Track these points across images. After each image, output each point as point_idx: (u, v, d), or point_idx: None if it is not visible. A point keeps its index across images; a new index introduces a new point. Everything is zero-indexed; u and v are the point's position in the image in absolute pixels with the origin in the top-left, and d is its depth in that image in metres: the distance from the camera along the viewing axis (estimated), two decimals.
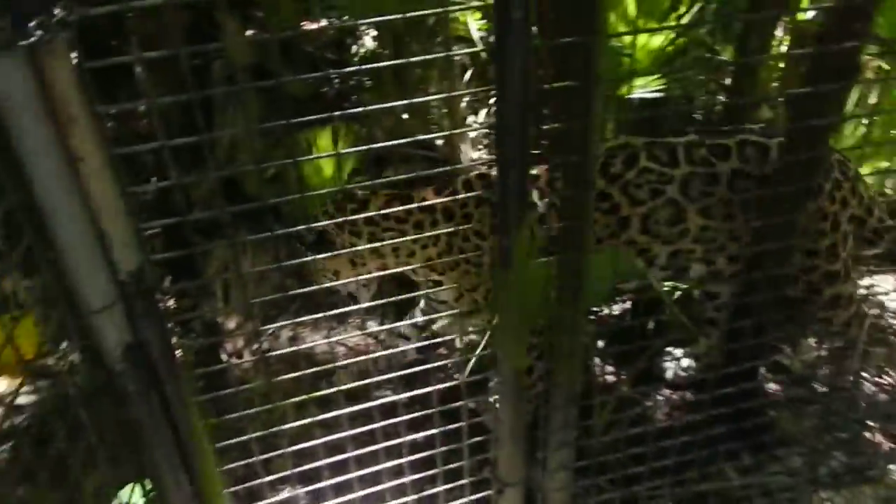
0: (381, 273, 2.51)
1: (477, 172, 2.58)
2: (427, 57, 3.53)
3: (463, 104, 3.88)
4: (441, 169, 2.81)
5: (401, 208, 2.51)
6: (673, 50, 3.07)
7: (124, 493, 1.58)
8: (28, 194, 0.98)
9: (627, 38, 2.85)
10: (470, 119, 4.06)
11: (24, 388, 2.67)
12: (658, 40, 3.00)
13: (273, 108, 3.95)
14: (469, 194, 2.47)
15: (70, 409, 1.24)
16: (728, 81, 3.47)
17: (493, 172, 2.52)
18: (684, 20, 3.00)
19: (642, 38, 2.96)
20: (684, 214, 2.38)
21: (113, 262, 1.12)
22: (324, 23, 3.92)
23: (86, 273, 1.08)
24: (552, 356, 1.67)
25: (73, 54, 0.98)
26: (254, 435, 1.57)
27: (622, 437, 1.98)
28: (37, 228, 1.03)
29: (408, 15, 1.36)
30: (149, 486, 1.39)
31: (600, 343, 2.95)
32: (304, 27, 4.10)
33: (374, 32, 4.38)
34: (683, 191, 2.36)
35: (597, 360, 2.77)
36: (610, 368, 2.87)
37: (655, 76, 3.02)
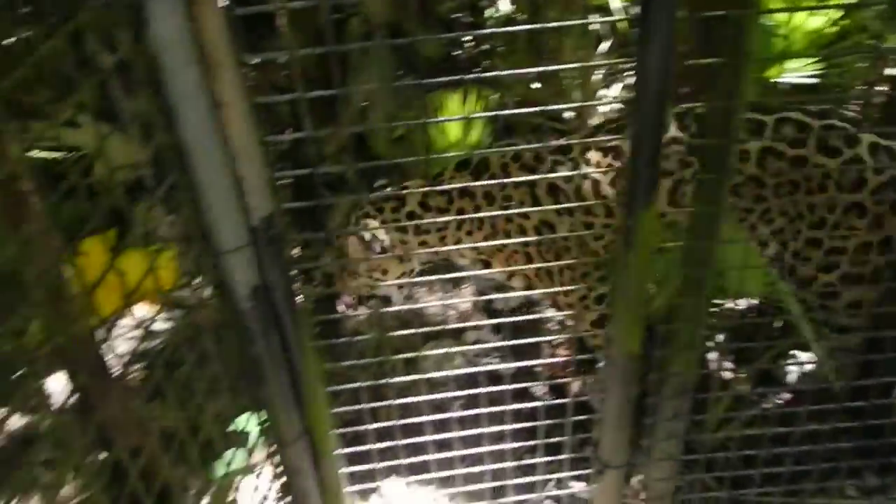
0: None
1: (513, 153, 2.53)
2: (564, 23, 3.43)
3: (596, 76, 3.75)
4: (568, 140, 2.73)
5: (443, 186, 2.47)
6: (833, 33, 2.82)
7: (241, 420, 1.67)
8: (175, 135, 1.04)
9: (782, 17, 2.64)
10: (602, 92, 3.93)
11: (160, 316, 2.89)
12: (817, 21, 2.76)
13: (405, 69, 4.00)
14: (509, 180, 2.37)
15: (199, 339, 1.32)
16: (893, 72, 3.16)
17: (528, 153, 2.50)
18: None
19: (799, 18, 2.73)
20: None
21: (247, 206, 1.18)
22: None
23: (221, 214, 1.14)
24: (669, 345, 1.61)
25: (224, 1, 1.02)
26: (364, 384, 1.62)
27: (735, 436, 1.89)
28: (181, 168, 1.09)
29: None
30: (263, 417, 1.47)
31: (720, 337, 2.82)
32: None
33: None
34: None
35: (715, 355, 2.65)
36: (728, 365, 2.74)
37: (811, 60, 2.79)
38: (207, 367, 1.31)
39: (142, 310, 2.93)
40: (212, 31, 1.00)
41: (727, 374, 2.72)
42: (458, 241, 2.53)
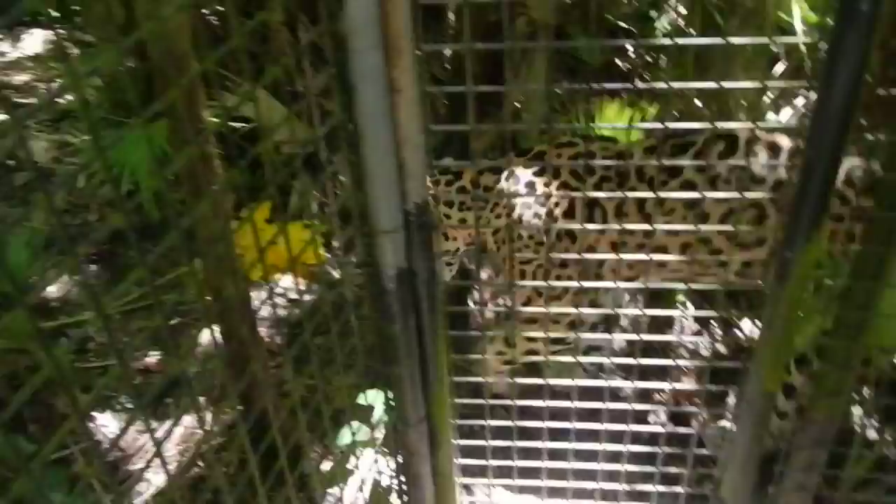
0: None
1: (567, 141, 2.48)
2: (739, 40, 3.26)
3: (765, 99, 3.56)
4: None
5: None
6: None
7: (369, 395, 1.74)
8: (350, 114, 1.10)
9: None
10: (770, 116, 3.72)
11: (303, 288, 3.07)
12: None
13: (564, 73, 3.97)
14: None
15: (342, 314, 1.39)
16: None
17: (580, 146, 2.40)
18: None
19: None
20: None
21: (404, 191, 1.22)
22: None
23: (381, 195, 1.19)
24: (813, 389, 1.51)
25: None
26: (487, 380, 1.64)
27: (876, 502, 1.74)
28: (350, 147, 1.15)
29: None
30: (390, 396, 1.52)
31: (868, 391, 2.60)
32: None
33: (683, 10, 4.17)
34: None
35: (860, 410, 2.45)
36: (875, 423, 2.52)
37: None
38: (345, 340, 1.37)
39: (285, 280, 3.13)
40: (396, 19, 1.04)
41: (872, 433, 2.50)
42: (488, 222, 2.54)
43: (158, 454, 0.87)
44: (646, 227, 1.53)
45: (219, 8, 3.72)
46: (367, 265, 1.32)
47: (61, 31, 5.50)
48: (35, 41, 5.58)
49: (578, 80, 3.98)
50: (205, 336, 2.83)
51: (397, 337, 1.39)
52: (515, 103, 3.72)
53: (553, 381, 1.66)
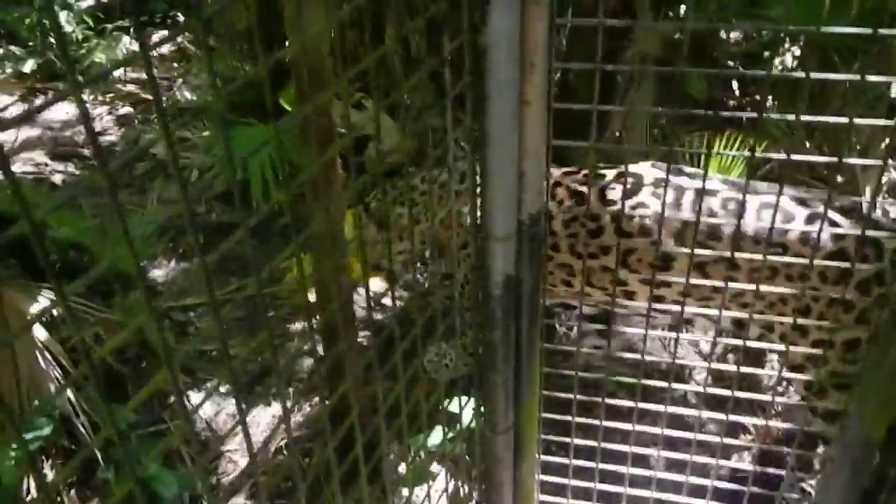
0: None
1: None
2: (874, 78, 3.18)
3: (882, 145, 3.43)
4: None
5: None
6: None
7: (456, 400, 1.78)
8: (480, 122, 1.15)
9: None
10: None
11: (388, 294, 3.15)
12: None
13: (669, 102, 3.94)
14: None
15: (427, 318, 1.43)
16: None
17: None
18: None
19: None
20: None
21: (521, 200, 1.26)
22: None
23: (499, 203, 1.23)
24: None
25: (549, 9, 1.11)
26: (578, 397, 1.65)
27: None
28: (475, 154, 1.20)
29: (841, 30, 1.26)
30: (479, 401, 1.55)
31: None
32: (722, 31, 3.99)
33: (797, 51, 4.08)
34: None
35: None
36: None
37: None
38: (435, 342, 1.42)
39: (377, 284, 3.22)
40: (535, 35, 1.09)
41: None
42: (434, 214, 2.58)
43: (246, 434, 0.90)
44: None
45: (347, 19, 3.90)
46: (477, 269, 1.36)
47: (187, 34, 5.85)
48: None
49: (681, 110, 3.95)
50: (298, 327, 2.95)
51: (497, 343, 1.42)
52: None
53: (643, 406, 1.65)
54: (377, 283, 3.28)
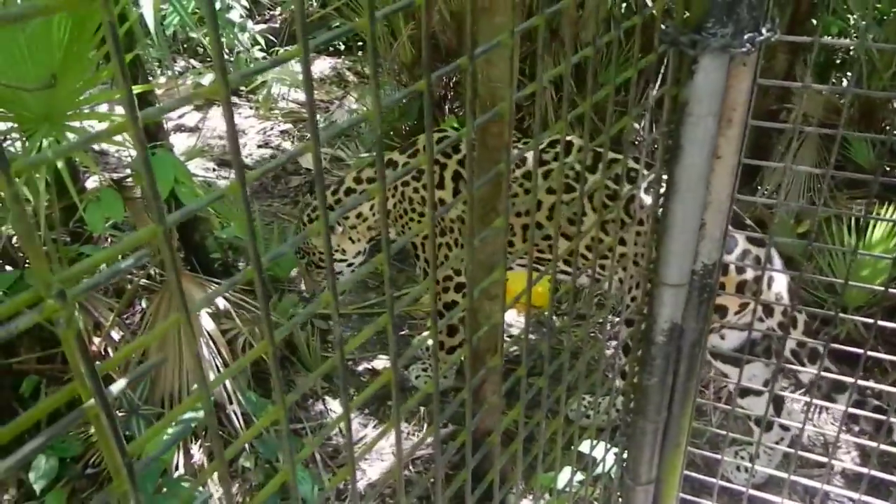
0: None
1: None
2: None
3: None
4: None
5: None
6: None
7: (589, 444, 1.77)
8: (670, 170, 1.17)
9: None
10: None
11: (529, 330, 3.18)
12: None
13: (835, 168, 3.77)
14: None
15: (567, 356, 1.45)
16: None
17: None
18: None
19: None
20: None
21: (698, 250, 1.27)
22: None
23: (678, 250, 1.24)
24: None
25: (754, 69, 1.12)
26: (725, 458, 1.60)
27: None
28: (661, 200, 1.23)
29: None
30: (624, 451, 1.55)
31: None
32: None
33: None
34: None
35: None
36: None
37: None
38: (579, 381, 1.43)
39: (512, 316, 3.27)
40: (737, 93, 1.11)
41: None
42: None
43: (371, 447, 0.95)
44: None
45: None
46: (642, 314, 1.38)
47: (347, 60, 6.22)
48: (322, 66, 6.37)
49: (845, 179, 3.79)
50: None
51: (653, 390, 1.42)
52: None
53: (796, 478, 1.58)
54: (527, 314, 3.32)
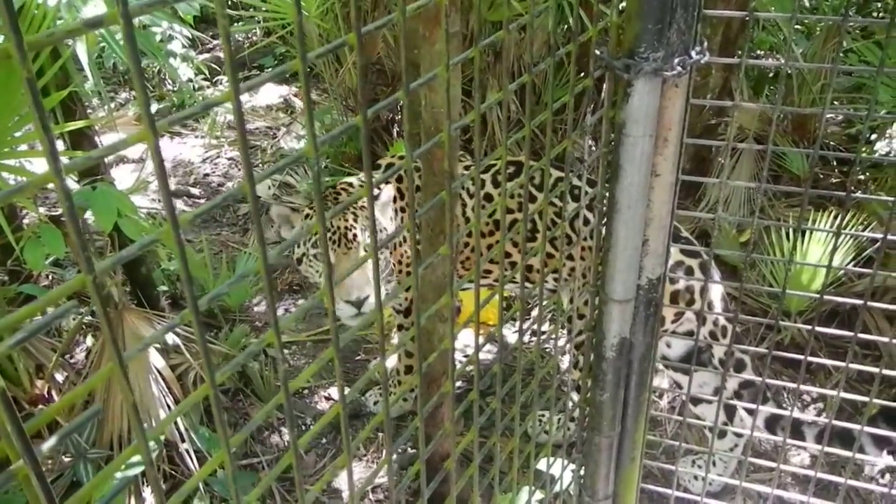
0: None
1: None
2: None
3: None
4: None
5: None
6: None
7: (548, 463, 1.78)
8: (611, 188, 1.20)
9: None
10: None
11: (484, 347, 3.20)
12: None
13: (768, 180, 3.90)
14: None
15: (519, 376, 1.46)
16: None
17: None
18: None
19: None
20: None
21: (642, 265, 1.30)
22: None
23: (622, 267, 1.27)
24: None
25: (686, 90, 1.16)
26: (681, 469, 1.63)
27: None
28: (603, 218, 1.25)
29: None
30: (581, 468, 1.56)
31: None
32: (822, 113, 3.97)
33: None
34: None
35: None
36: None
37: None
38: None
39: (467, 337, 3.27)
40: (671, 114, 1.15)
41: None
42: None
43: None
44: None
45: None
46: (591, 330, 1.40)
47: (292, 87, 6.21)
48: (270, 93, 6.33)
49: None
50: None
51: (605, 405, 1.44)
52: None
53: (748, 485, 1.62)
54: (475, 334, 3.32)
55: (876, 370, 1.48)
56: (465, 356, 3.25)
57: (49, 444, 0.37)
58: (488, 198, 2.72)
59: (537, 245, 1.19)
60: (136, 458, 2.26)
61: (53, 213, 2.86)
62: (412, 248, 0.73)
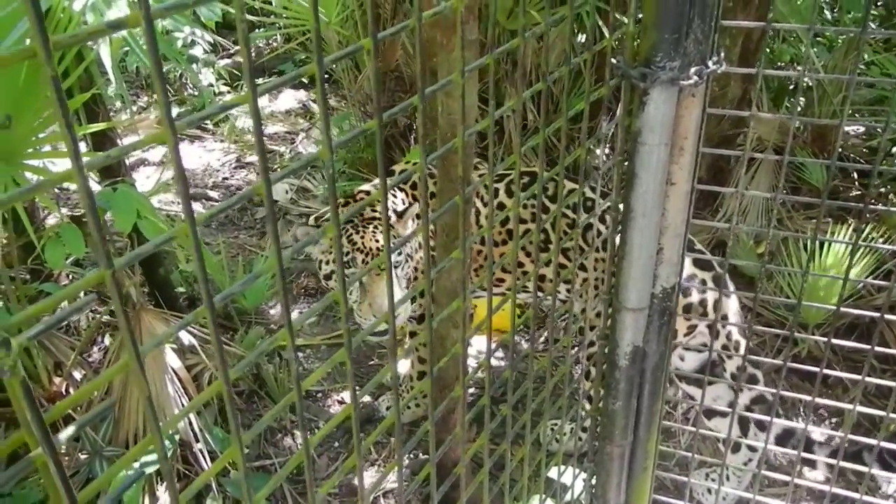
0: None
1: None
2: None
3: None
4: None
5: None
6: None
7: (560, 471, 1.78)
8: (626, 196, 1.20)
9: None
10: None
11: (496, 354, 3.19)
12: None
13: (786, 191, 3.88)
14: None
15: (530, 383, 1.46)
16: None
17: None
18: None
19: None
20: None
21: (656, 274, 1.30)
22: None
23: (636, 275, 1.27)
24: None
25: (703, 100, 1.16)
26: (693, 481, 1.62)
27: None
28: (618, 226, 1.25)
29: None
30: (592, 476, 1.55)
31: None
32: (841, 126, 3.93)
33: None
34: None
35: None
36: None
37: None
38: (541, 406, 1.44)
39: (480, 343, 3.27)
40: (688, 122, 1.15)
41: None
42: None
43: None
44: None
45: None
46: (605, 338, 1.40)
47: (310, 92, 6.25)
48: (289, 99, 6.39)
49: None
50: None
51: (618, 414, 1.44)
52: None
53: (761, 499, 1.60)
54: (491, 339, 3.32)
55: (894, 384, 1.46)
56: (479, 363, 3.25)
57: (66, 432, 0.38)
58: (502, 207, 2.72)
59: (549, 254, 1.19)
60: (151, 457, 2.28)
61: (74, 214, 2.90)
62: (426, 253, 0.74)
